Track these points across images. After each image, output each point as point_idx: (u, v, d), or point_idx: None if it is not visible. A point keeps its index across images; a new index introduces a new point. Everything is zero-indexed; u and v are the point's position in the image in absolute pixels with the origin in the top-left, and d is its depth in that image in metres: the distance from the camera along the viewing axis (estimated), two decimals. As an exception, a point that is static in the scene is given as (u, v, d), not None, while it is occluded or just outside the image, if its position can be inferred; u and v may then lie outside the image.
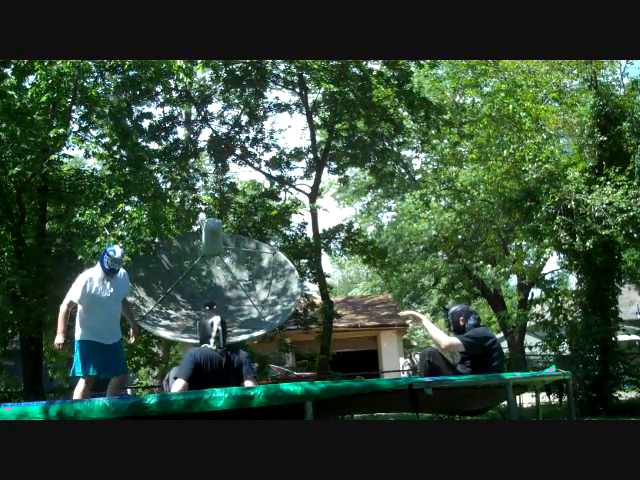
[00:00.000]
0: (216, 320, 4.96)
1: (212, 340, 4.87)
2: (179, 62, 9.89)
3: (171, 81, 14.77)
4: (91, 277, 5.96)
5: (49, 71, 9.50)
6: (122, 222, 9.63)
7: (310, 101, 16.34)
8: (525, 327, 19.99)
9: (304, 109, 16.36)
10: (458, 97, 18.14)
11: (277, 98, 17.65)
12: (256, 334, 9.40)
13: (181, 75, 10.55)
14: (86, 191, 10.73)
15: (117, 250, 6.05)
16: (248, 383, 4.67)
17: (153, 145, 14.99)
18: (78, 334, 5.97)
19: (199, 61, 10.42)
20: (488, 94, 14.45)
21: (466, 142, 16.21)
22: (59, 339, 5.84)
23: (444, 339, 5.12)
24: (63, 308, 5.94)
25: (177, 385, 4.50)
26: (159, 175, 14.53)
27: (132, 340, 6.50)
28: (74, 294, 5.92)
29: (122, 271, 6.24)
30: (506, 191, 13.32)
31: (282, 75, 15.82)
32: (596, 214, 10.97)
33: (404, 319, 5.67)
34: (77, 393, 5.88)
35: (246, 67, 14.55)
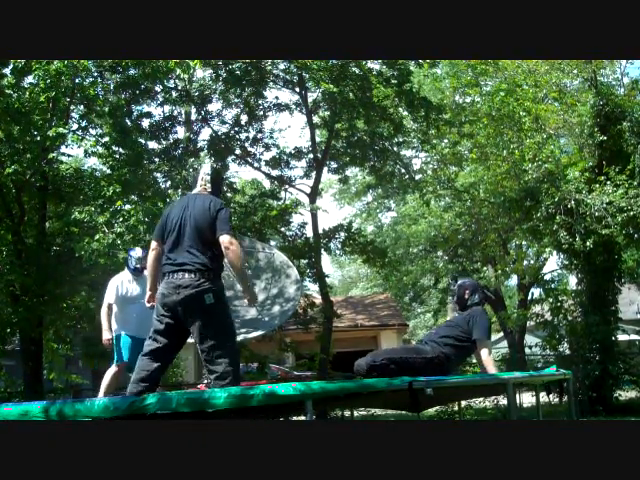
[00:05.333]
0: (205, 166, 4.79)
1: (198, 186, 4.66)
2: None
3: (171, 81, 14.79)
4: (122, 280, 6.66)
5: (47, 71, 9.50)
6: (120, 219, 9.66)
7: (310, 100, 16.33)
8: (525, 327, 19.99)
9: (304, 109, 16.35)
10: (458, 97, 18.13)
11: (277, 98, 17.63)
12: (255, 334, 9.40)
13: (178, 71, 10.54)
14: (85, 189, 10.75)
15: (138, 249, 6.85)
16: (223, 238, 4.28)
17: (153, 144, 15.01)
18: (114, 329, 6.60)
19: (196, 58, 10.42)
20: (488, 94, 14.45)
21: (466, 142, 16.22)
22: (106, 335, 6.52)
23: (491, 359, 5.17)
24: (104, 310, 6.60)
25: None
26: (159, 174, 14.54)
27: None
28: (109, 296, 6.60)
29: None
30: (506, 191, 13.32)
31: (282, 75, 15.81)
32: (596, 214, 10.98)
33: None
34: (106, 376, 6.53)
35: (246, 67, 14.55)
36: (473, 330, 5.03)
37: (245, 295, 4.63)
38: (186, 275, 4.19)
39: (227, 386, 3.91)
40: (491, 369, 5.06)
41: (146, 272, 6.66)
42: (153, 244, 4.52)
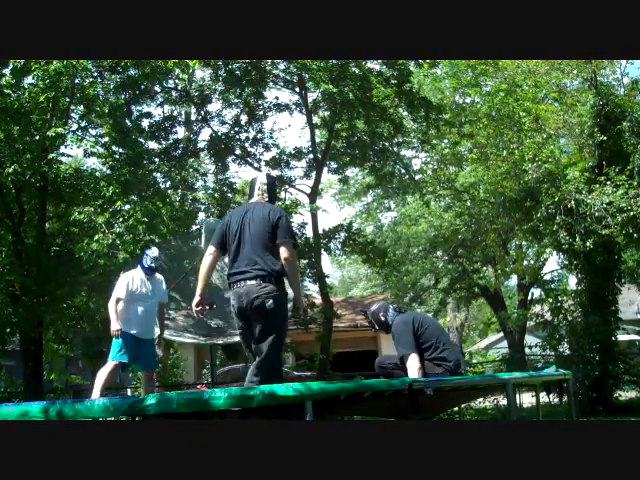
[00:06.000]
0: (260, 176, 4.81)
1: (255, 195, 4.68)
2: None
3: (170, 81, 14.79)
4: (133, 277, 6.65)
5: (46, 71, 9.49)
6: (120, 219, 9.66)
7: (310, 100, 16.33)
8: (525, 327, 19.99)
9: (304, 109, 16.35)
10: (458, 97, 18.13)
11: (277, 98, 17.64)
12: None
13: (177, 71, 10.53)
14: (84, 189, 10.75)
15: (154, 249, 6.91)
16: (282, 250, 4.38)
17: (153, 145, 15.01)
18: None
19: (196, 58, 10.40)
20: (488, 94, 14.45)
21: (466, 142, 16.21)
22: (116, 326, 6.41)
23: (415, 374, 4.75)
24: (112, 304, 6.54)
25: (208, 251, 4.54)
26: (159, 175, 14.54)
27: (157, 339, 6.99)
28: (120, 291, 6.56)
29: (160, 276, 6.96)
30: (506, 191, 13.32)
31: (282, 75, 15.81)
32: (596, 214, 10.97)
33: None
34: (101, 373, 6.47)
35: (246, 67, 14.55)
36: (396, 349, 4.95)
37: (297, 303, 4.77)
38: (247, 282, 4.32)
39: (271, 383, 4.06)
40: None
41: (158, 274, 6.84)
42: (210, 249, 4.60)
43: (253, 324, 4.35)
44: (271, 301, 4.28)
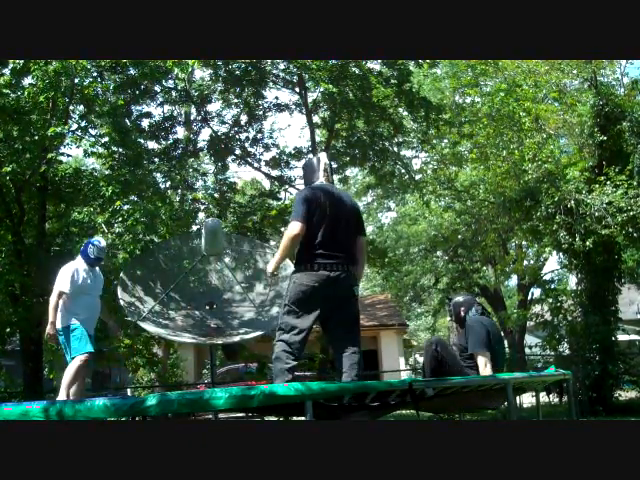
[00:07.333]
0: (323, 156, 4.70)
1: (321, 174, 4.53)
2: (173, 58, 9.90)
3: (170, 81, 14.80)
4: (77, 268, 6.26)
5: (46, 71, 9.49)
6: (119, 219, 9.67)
7: (310, 100, 16.34)
8: (525, 327, 20.00)
9: (304, 109, 16.36)
10: (458, 97, 18.14)
11: (277, 98, 17.67)
12: (254, 335, 9.38)
13: (176, 70, 10.53)
14: (84, 189, 10.75)
15: (101, 240, 6.51)
16: (359, 240, 4.47)
17: (153, 145, 15.02)
18: (65, 321, 6.09)
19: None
20: (488, 94, 14.46)
21: (466, 142, 16.23)
22: (51, 329, 6.04)
23: (489, 372, 4.80)
24: (54, 299, 6.12)
25: (293, 227, 4.29)
26: (159, 175, 14.55)
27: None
28: (64, 285, 6.14)
29: (99, 270, 6.60)
30: (506, 191, 13.33)
31: (281, 75, 15.83)
32: (596, 214, 10.98)
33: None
34: (73, 374, 5.96)
35: (246, 67, 14.56)
36: (468, 344, 4.92)
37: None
38: (343, 269, 4.32)
39: (360, 374, 4.19)
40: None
41: (97, 268, 6.50)
42: (300, 226, 4.27)
43: (339, 311, 4.38)
44: (357, 287, 4.46)
